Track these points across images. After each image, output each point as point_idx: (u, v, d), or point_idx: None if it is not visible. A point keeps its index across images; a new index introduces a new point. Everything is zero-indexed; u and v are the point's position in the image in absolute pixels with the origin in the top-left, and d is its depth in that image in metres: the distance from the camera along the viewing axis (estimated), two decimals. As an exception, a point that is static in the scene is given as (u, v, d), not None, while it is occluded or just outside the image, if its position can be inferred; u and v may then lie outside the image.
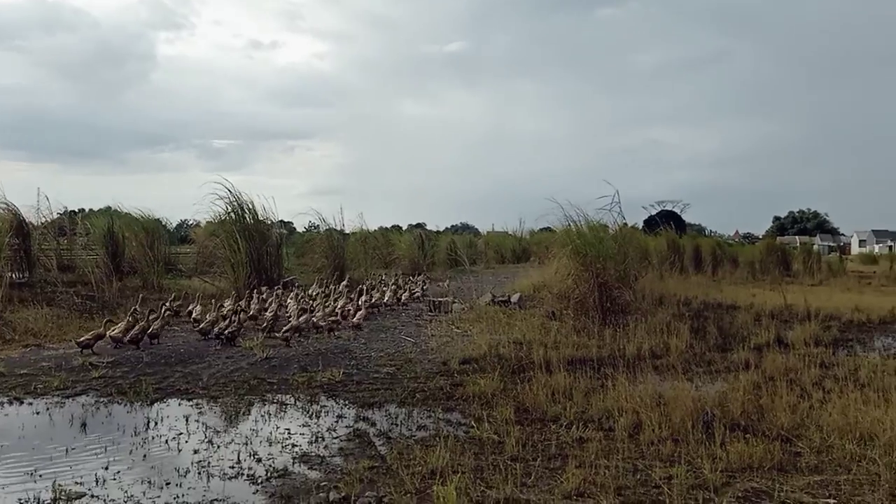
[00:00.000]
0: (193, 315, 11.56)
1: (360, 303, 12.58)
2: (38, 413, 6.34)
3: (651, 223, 40.05)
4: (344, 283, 14.70)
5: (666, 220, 35.94)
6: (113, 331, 9.32)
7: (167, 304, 12.24)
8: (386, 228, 30.02)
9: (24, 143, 75.28)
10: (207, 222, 17.90)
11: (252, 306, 12.16)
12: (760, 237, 69.54)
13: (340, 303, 12.38)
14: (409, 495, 4.35)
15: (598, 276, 12.14)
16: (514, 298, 14.08)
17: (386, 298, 13.84)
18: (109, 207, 23.25)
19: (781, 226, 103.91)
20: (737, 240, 68.35)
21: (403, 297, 14.24)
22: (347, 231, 22.71)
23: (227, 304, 12.03)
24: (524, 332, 10.82)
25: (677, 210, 60.34)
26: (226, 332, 9.82)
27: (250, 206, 15.12)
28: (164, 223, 22.35)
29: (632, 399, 6.57)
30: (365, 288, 13.92)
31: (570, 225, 12.79)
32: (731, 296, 17.96)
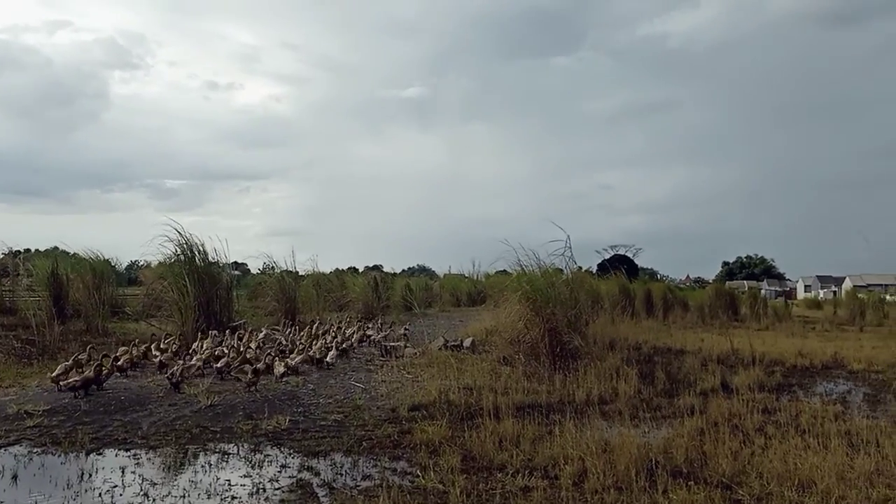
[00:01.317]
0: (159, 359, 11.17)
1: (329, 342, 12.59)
2: (-38, 465, 6.06)
3: (604, 267, 40.74)
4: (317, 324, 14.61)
5: (619, 265, 36.63)
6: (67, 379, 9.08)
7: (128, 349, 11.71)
8: (341, 271, 29.87)
9: (-36, 178, 73.24)
10: (158, 264, 17.55)
11: (202, 350, 11.92)
12: (710, 281, 71.10)
13: (318, 343, 12.38)
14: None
15: (549, 321, 12.24)
16: (467, 343, 14.07)
17: (333, 342, 13.68)
18: (56, 248, 22.66)
19: (730, 270, 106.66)
20: (688, 284, 69.82)
21: (354, 341, 14.09)
22: (301, 273, 22.56)
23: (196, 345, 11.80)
24: (475, 377, 10.80)
25: (630, 254, 61.54)
26: (176, 376, 9.63)
27: (200, 248, 14.91)
28: (113, 264, 21.84)
29: (578, 446, 6.60)
30: (314, 331, 13.79)
31: (521, 269, 12.91)
32: (680, 340, 18.24)
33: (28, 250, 25.25)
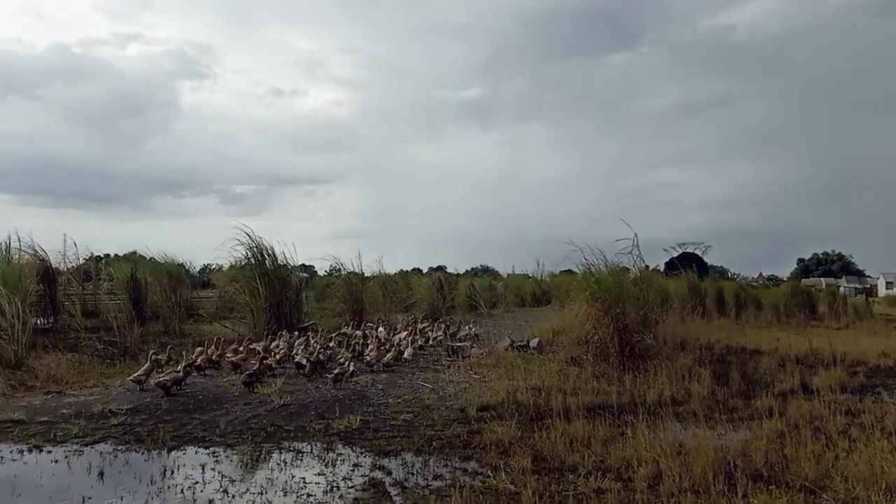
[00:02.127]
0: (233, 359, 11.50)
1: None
2: (56, 461, 6.36)
3: (672, 266, 39.74)
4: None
5: (687, 263, 35.68)
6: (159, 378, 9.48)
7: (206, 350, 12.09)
8: (406, 272, 30.06)
9: (47, 189, 77.19)
10: (230, 267, 18.08)
11: (277, 349, 12.25)
12: (785, 279, 68.69)
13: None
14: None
15: (618, 320, 12.05)
16: (533, 343, 13.98)
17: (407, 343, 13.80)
18: (135, 252, 23.52)
19: (806, 268, 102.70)
20: (760, 282, 67.56)
21: (420, 343, 14.17)
22: (367, 274, 22.84)
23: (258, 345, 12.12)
24: (543, 378, 10.71)
25: (699, 252, 59.81)
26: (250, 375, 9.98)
27: (270, 252, 15.27)
28: (187, 268, 22.56)
29: (652, 448, 6.47)
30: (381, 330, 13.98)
31: (588, 269, 12.74)
32: (754, 340, 17.67)
33: (108, 255, 26.23)
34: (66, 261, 20.71)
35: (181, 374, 9.66)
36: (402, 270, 29.98)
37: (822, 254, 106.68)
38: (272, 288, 14.93)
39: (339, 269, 21.19)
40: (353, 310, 17.62)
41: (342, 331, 13.77)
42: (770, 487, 5.60)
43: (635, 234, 13.26)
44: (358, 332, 14.24)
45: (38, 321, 17.43)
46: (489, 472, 6.12)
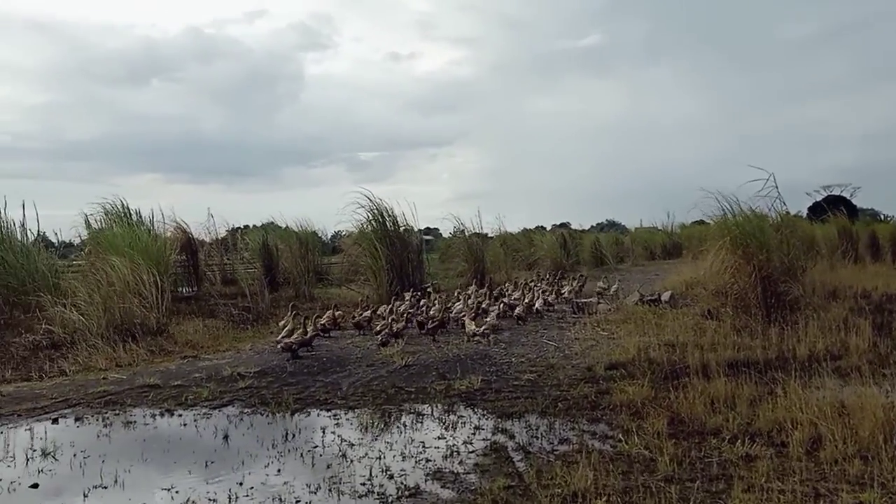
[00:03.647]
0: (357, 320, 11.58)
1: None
2: (185, 425, 6.49)
3: (816, 210, 36.72)
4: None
5: (835, 206, 32.84)
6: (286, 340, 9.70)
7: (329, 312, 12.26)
8: (528, 230, 29.42)
9: (189, 166, 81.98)
10: (357, 232, 18.35)
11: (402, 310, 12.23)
12: (951, 219, 61.91)
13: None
14: (547, 522, 3.91)
15: (761, 268, 11.04)
16: (665, 297, 13.15)
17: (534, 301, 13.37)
18: (272, 222, 24.41)
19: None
20: (921, 223, 61.26)
21: (549, 299, 13.67)
22: (490, 234, 22.53)
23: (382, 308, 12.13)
24: (677, 333, 9.98)
25: (846, 194, 54.87)
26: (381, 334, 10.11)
27: (390, 213, 15.24)
28: (320, 234, 23.15)
29: (808, 409, 5.73)
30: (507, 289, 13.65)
31: (725, 215, 11.73)
32: (918, 287, 15.84)
33: (246, 226, 27.40)
34: (208, 232, 21.95)
35: (308, 336, 9.76)
36: (524, 229, 29.40)
37: None
38: (393, 249, 14.92)
39: (463, 230, 21.02)
40: (475, 269, 17.38)
41: (467, 290, 13.51)
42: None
43: (772, 175, 12.03)
44: (481, 290, 13.96)
45: (183, 290, 18.58)
46: (620, 435, 5.64)
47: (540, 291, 13.64)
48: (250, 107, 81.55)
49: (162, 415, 6.84)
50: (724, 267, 11.60)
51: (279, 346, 9.54)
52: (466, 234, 18.82)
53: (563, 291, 14.34)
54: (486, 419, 6.39)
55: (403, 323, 10.71)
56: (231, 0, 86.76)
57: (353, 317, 11.73)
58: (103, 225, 17.51)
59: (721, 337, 9.59)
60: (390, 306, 12.12)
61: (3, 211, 15.13)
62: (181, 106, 79.26)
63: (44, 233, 18.09)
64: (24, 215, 15.47)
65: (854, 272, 19.92)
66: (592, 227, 49.61)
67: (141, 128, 74.14)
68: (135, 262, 12.81)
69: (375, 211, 15.25)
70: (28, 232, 15.66)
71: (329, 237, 28.40)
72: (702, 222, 22.73)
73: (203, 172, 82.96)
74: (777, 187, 12.23)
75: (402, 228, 15.43)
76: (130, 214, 18.00)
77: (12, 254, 14.24)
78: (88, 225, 18.09)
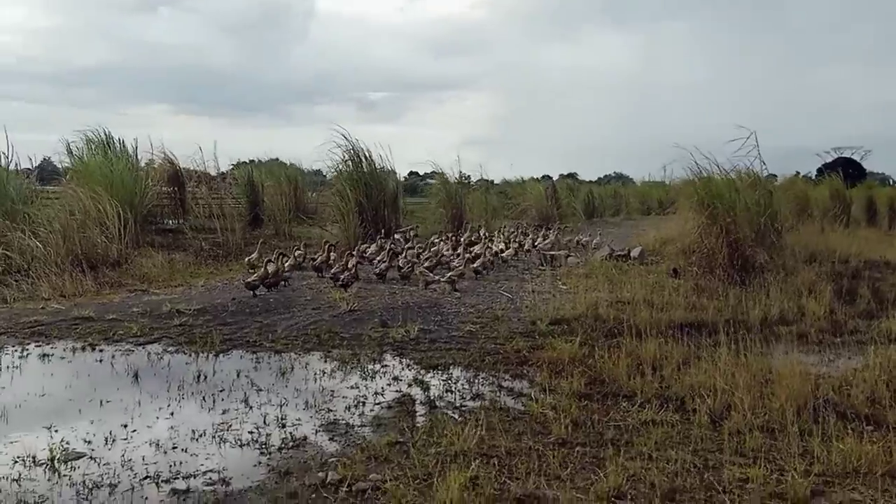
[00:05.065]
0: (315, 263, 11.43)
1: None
2: (100, 361, 6.38)
3: (823, 172, 36.15)
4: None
5: (843, 168, 32.33)
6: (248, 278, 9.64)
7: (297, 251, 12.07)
8: (522, 179, 28.93)
9: (198, 97, 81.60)
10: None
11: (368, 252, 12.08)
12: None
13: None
14: (411, 483, 3.78)
15: (728, 230, 10.78)
16: (635, 253, 12.95)
17: (501, 249, 13.12)
18: (277, 159, 24.09)
19: None
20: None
21: (505, 253, 13.40)
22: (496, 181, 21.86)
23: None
24: (635, 290, 9.79)
25: (856, 157, 53.86)
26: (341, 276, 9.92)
27: (367, 155, 14.92)
28: (322, 173, 22.69)
29: (733, 375, 5.56)
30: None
31: (695, 174, 11.43)
32: (902, 253, 15.53)
33: (252, 161, 26.72)
34: (195, 164, 21.64)
35: (270, 275, 9.62)
36: (520, 178, 28.93)
37: None
38: (368, 192, 14.66)
39: (469, 177, 20.76)
40: (452, 215, 17.14)
41: (431, 239, 13.28)
42: (866, 428, 4.65)
43: (753, 133, 11.66)
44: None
45: (168, 222, 18.46)
46: (537, 393, 5.52)
47: (492, 243, 13.29)
48: (261, 41, 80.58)
49: (83, 349, 6.72)
50: (693, 226, 11.36)
51: (244, 284, 9.47)
52: (447, 179, 18.49)
53: (524, 244, 14.02)
54: (409, 370, 6.26)
55: (355, 263, 10.45)
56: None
57: (313, 259, 11.56)
58: (84, 154, 17.31)
59: (678, 297, 9.38)
60: (350, 250, 11.93)
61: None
62: (194, 36, 78.07)
63: (32, 158, 18.01)
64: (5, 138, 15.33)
65: (843, 236, 19.58)
66: (600, 178, 49.16)
67: (150, 57, 73.26)
68: (97, 192, 12.64)
69: (352, 151, 14.93)
70: (1, 157, 15.51)
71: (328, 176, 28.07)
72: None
73: (211, 105, 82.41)
74: (758, 146, 11.89)
75: (378, 170, 15.13)
76: (112, 144, 17.75)
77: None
78: (70, 153, 17.96)
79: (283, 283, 10.10)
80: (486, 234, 14.08)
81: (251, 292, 9.38)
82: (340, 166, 15.22)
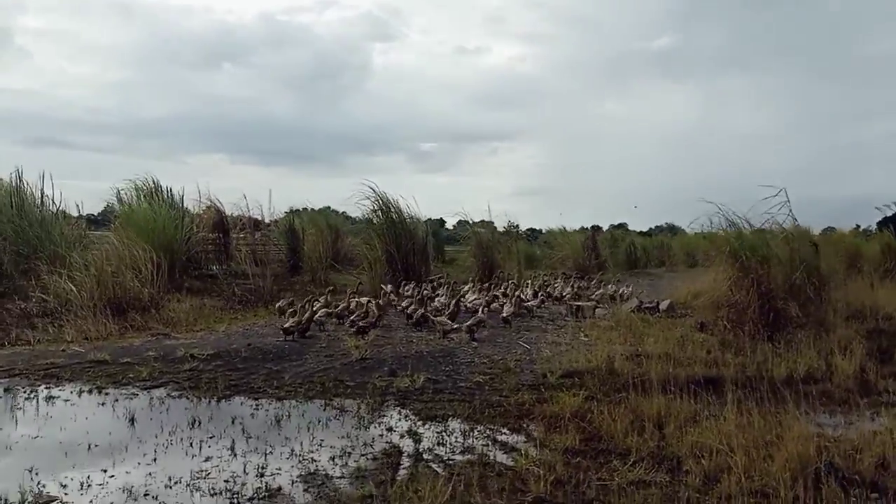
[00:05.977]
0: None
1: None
2: (102, 405, 6.46)
3: (885, 225, 34.93)
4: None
5: (897, 223, 31.15)
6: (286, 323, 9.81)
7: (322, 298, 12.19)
8: (565, 229, 28.69)
9: (256, 148, 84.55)
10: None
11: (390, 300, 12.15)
12: None
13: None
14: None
15: (760, 283, 10.44)
16: (664, 305, 12.65)
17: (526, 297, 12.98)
18: (328, 207, 24.59)
19: None
20: None
21: (541, 299, 13.26)
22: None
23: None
24: (658, 343, 9.52)
25: (918, 211, 51.95)
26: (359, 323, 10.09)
27: (395, 206, 15.11)
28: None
29: (736, 436, 5.31)
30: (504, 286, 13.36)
31: (725, 227, 11.18)
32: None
33: (305, 209, 27.32)
34: (242, 211, 22.24)
35: (304, 321, 9.76)
36: (562, 227, 28.75)
37: None
38: (398, 241, 14.79)
39: (511, 228, 20.73)
40: (482, 264, 17.08)
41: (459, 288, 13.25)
42: (870, 496, 4.36)
43: (783, 189, 11.35)
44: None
45: (213, 268, 18.93)
46: (529, 448, 5.36)
47: (520, 292, 13.18)
48: (317, 94, 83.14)
49: (90, 392, 6.83)
50: (724, 279, 11.05)
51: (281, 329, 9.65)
52: (475, 228, 18.50)
53: (553, 294, 13.85)
54: (405, 420, 6.16)
55: (374, 309, 10.50)
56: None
57: (336, 306, 11.62)
58: (132, 201, 18.01)
59: (701, 351, 9.08)
60: (377, 297, 11.97)
61: (25, 182, 15.73)
62: (254, 90, 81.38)
63: (79, 205, 18.82)
64: (51, 185, 16.07)
65: (893, 293, 18.76)
66: (651, 229, 48.64)
67: (212, 109, 76.62)
68: (132, 238, 13.05)
69: (380, 202, 15.15)
70: (50, 203, 16.23)
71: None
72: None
73: (268, 154, 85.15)
74: (789, 201, 11.55)
75: (408, 219, 15.27)
76: (160, 192, 18.44)
77: (27, 223, 14.72)
78: (120, 200, 18.75)
79: (319, 328, 10.29)
80: (514, 283, 13.93)
81: (285, 336, 9.54)
82: (370, 216, 15.42)
